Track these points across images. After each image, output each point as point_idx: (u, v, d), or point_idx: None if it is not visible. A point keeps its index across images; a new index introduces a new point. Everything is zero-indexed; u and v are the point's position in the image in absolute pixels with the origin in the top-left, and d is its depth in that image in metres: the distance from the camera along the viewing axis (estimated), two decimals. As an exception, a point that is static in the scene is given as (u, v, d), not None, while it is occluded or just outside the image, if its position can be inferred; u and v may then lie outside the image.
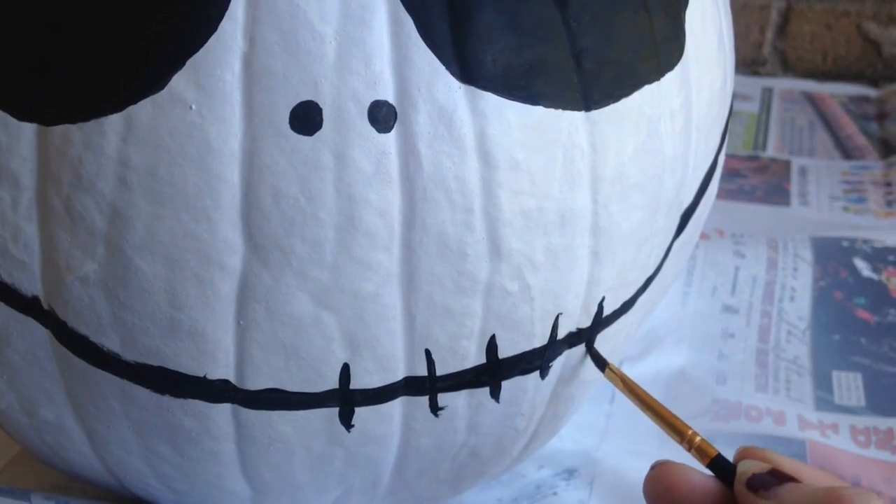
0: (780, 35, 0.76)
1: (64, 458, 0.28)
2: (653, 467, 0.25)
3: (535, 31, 0.23)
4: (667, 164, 0.26)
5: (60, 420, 0.26)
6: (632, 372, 0.41)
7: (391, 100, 0.22)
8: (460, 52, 0.22)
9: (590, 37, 0.24)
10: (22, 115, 0.22)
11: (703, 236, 0.50)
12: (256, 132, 0.21)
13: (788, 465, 0.24)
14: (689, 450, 0.25)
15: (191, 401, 0.24)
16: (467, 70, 0.22)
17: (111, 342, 0.23)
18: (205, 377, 0.23)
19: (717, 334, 0.42)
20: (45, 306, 0.23)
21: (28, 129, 0.22)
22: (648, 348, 0.41)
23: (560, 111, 0.24)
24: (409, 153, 0.22)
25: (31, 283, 0.23)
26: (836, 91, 0.71)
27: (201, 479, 0.26)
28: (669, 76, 0.26)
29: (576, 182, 0.24)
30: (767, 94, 0.72)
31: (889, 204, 0.55)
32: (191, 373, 0.23)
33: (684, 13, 0.27)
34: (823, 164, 0.60)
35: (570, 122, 0.24)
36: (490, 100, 0.23)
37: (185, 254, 0.22)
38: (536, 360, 0.26)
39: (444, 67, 0.22)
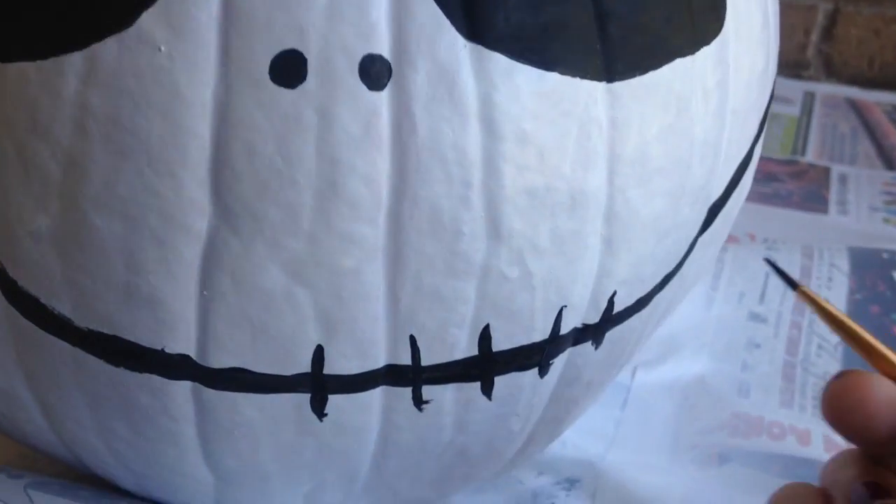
0: (826, 38, 0.73)
1: (21, 430, 0.26)
2: (835, 378, 0.22)
3: (555, -13, 0.21)
4: (696, 149, 0.24)
5: (14, 389, 0.24)
6: (647, 378, 0.39)
7: (386, 54, 0.20)
8: (469, 5, 0.20)
9: (617, -2, 0.21)
10: (-25, 48, 0.20)
11: (733, 239, 0.47)
12: (232, 82, 0.19)
13: None
14: None
15: (147, 375, 0.22)
16: (475, 26, 0.20)
17: (63, 306, 0.21)
18: (162, 350, 0.21)
19: (741, 343, 0.40)
20: (-3, 262, 0.22)
21: (-19, 65, 0.20)
22: (666, 353, 0.39)
23: (578, 80, 0.21)
24: (402, 115, 0.20)
25: (-19, 237, 0.21)
26: (881, 99, 0.69)
27: (159, 461, 0.24)
28: (705, 51, 0.23)
29: (590, 161, 0.22)
30: (809, 98, 0.70)
31: (932, 218, 0.53)
32: (147, 345, 0.21)
33: (726, -18, 0.24)
34: (864, 173, 0.58)
35: (588, 93, 0.21)
36: (499, 61, 0.20)
37: (146, 212, 0.20)
38: (535, 356, 0.23)
39: (448, 22, 0.20)
